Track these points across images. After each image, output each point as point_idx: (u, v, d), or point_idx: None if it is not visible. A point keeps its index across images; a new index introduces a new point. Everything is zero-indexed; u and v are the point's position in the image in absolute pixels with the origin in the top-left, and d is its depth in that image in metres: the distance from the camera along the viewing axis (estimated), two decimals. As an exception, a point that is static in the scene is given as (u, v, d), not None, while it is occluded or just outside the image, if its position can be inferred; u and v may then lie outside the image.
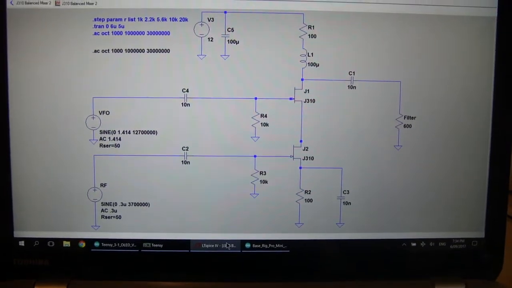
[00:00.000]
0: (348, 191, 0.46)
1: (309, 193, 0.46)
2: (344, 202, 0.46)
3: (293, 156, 0.46)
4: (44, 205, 0.46)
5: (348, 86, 0.45)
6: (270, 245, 0.46)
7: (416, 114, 0.46)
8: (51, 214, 0.46)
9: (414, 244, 0.47)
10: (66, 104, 0.45)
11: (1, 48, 0.44)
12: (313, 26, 0.45)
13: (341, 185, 0.46)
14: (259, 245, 0.46)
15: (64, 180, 0.45)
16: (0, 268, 0.46)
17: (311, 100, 0.45)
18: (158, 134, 0.45)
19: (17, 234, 0.46)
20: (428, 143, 0.46)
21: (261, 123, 0.45)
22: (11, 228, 0.46)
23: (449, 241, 0.47)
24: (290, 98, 0.45)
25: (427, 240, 0.47)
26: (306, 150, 0.46)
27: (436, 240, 0.47)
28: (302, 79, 0.45)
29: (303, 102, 0.45)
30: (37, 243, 0.46)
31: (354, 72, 0.45)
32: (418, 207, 0.46)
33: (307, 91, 0.45)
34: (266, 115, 0.45)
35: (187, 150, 0.45)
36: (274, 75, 0.45)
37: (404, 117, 0.46)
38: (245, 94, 0.45)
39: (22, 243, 0.46)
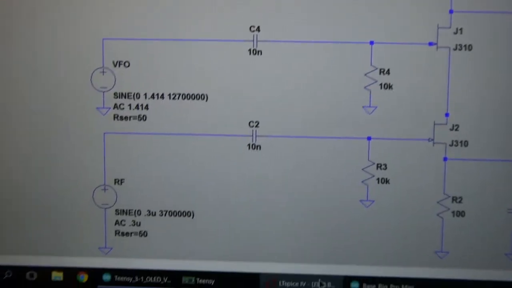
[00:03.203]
0: (526, 199, 0.31)
1: (460, 202, 0.30)
2: (518, 219, 0.31)
3: (433, 140, 0.30)
4: (23, 214, 0.32)
5: (533, 23, 0.30)
6: (392, 286, 0.31)
7: None
8: (33, 228, 0.32)
9: None
10: (57, 51, 0.30)
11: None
12: None
13: (515, 189, 0.31)
14: (374, 286, 0.31)
15: (54, 174, 0.31)
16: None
17: (466, 46, 0.30)
18: (210, 100, 0.30)
19: (-22, 259, 0.33)
20: None
21: (380, 85, 0.30)
22: (-32, 250, 0.32)
23: None
24: (430, 43, 0.30)
25: None
26: (456, 130, 0.30)
27: None
28: (450, 11, 0.29)
29: (451, 50, 0.30)
30: (9, 274, 0.32)
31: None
32: None
33: (458, 31, 0.29)
34: (388, 70, 0.30)
35: (256, 126, 0.30)
36: (402, 4, 0.30)
37: None
38: (354, 36, 0.30)
39: (-15, 274, 0.32)
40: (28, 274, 0.32)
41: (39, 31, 0.30)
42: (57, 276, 0.32)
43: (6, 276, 0.32)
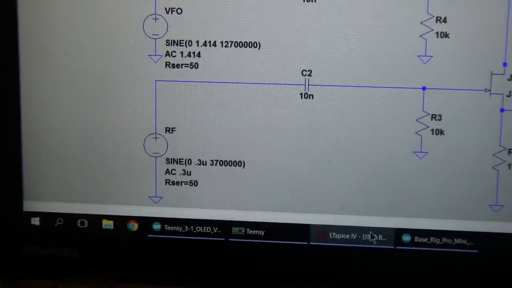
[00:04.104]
0: None
1: (516, 155, 0.30)
2: None
3: (490, 90, 0.29)
4: (73, 162, 0.31)
5: None
6: (444, 239, 0.30)
7: None
8: (83, 177, 0.32)
9: None
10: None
11: None
12: None
13: None
14: (426, 239, 0.30)
15: (105, 122, 0.31)
16: (1, 260, 0.32)
17: (529, -11, 0.29)
18: (262, 48, 0.30)
19: (28, 206, 0.32)
20: None
21: (437, 33, 0.29)
22: (18, 198, 0.32)
23: None
24: (489, -12, 0.29)
25: None
26: (514, 80, 0.30)
27: None
28: None
29: (511, -3, 0.29)
30: (60, 221, 0.32)
31: None
32: None
33: (519, -23, 0.29)
34: (444, 19, 0.29)
35: (309, 75, 0.30)
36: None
37: None
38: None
39: (36, 221, 0.32)
40: (79, 222, 0.32)
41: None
42: (107, 224, 0.31)
43: (57, 224, 0.32)
